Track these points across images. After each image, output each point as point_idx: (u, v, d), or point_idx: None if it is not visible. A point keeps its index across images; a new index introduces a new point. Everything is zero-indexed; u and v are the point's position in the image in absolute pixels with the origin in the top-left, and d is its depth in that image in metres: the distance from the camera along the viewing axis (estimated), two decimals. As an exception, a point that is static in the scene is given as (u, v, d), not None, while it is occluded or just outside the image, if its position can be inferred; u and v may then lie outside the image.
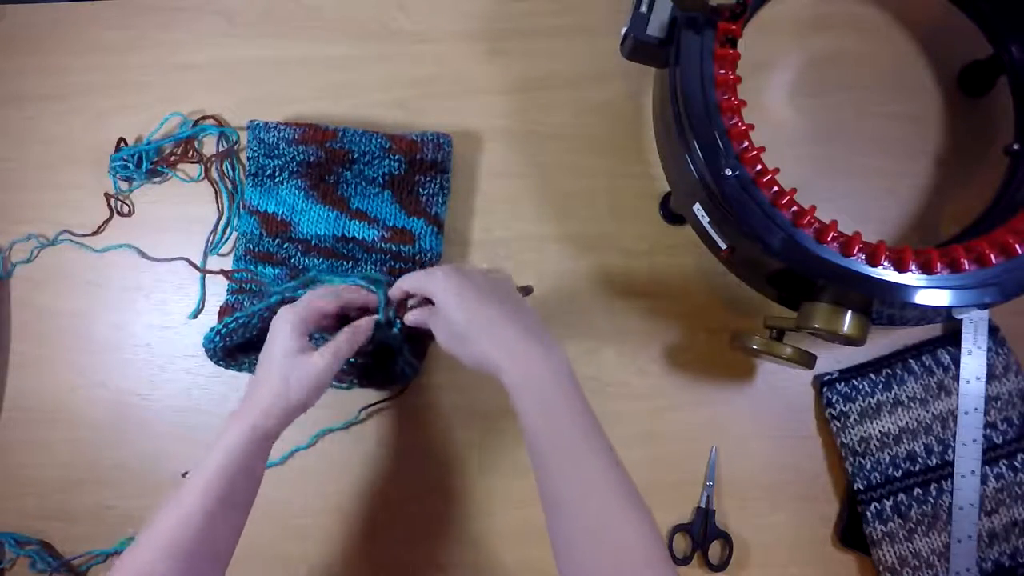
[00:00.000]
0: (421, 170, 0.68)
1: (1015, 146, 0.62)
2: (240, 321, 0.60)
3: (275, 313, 0.61)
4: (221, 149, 0.71)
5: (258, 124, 0.68)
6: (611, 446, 0.48)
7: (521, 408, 0.48)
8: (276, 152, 0.67)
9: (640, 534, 0.44)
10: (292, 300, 0.61)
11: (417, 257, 0.68)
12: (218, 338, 0.61)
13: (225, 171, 0.71)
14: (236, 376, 0.67)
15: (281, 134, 0.67)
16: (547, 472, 0.46)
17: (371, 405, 0.67)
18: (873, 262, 0.50)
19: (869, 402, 0.65)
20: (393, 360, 0.62)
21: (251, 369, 0.65)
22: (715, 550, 0.65)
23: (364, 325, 0.57)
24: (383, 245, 0.68)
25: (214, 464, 0.50)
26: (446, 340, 0.53)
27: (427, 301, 0.56)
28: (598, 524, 0.44)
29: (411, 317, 0.57)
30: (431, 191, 0.68)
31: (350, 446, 0.67)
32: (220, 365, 0.64)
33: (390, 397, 0.67)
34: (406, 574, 0.65)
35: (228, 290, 0.68)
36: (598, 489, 0.45)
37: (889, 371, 0.66)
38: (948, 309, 0.51)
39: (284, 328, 0.54)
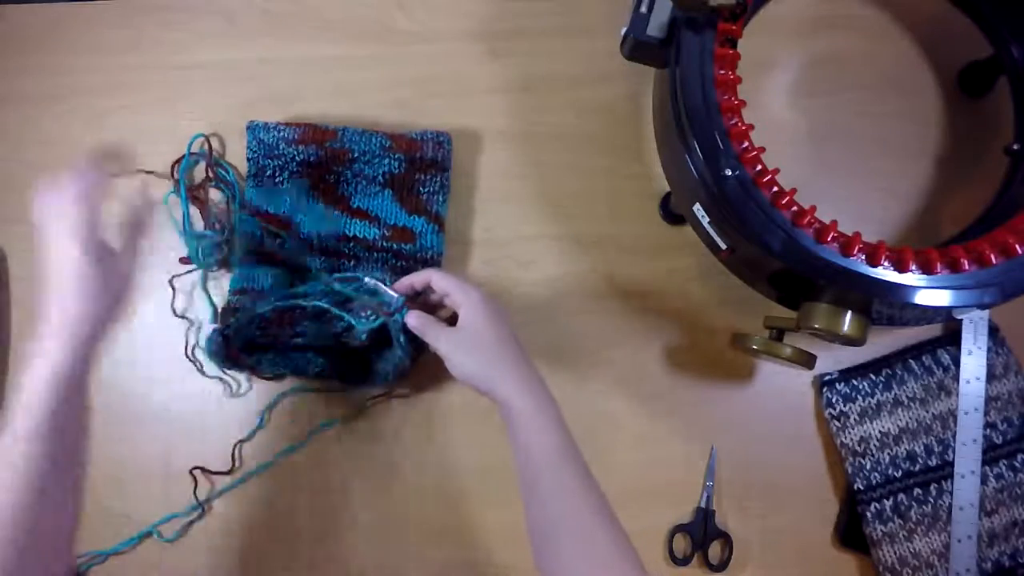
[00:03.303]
0: (421, 168, 0.68)
1: (1015, 146, 0.62)
2: (242, 321, 0.60)
3: (277, 313, 0.61)
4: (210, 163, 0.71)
5: (258, 124, 0.68)
6: (589, 470, 0.52)
7: (523, 443, 0.52)
8: (276, 152, 0.67)
9: (623, 549, 0.49)
10: (290, 299, 0.61)
11: (418, 255, 0.68)
12: (220, 339, 0.61)
13: (220, 176, 0.71)
14: (236, 376, 0.67)
15: (281, 134, 0.67)
16: (541, 497, 0.51)
17: (374, 398, 0.67)
18: (873, 262, 0.50)
19: (869, 402, 0.65)
20: (381, 354, 0.62)
21: (252, 370, 0.65)
22: (715, 550, 0.65)
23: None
24: (384, 244, 0.68)
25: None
26: (451, 353, 0.55)
27: (440, 306, 0.59)
28: (588, 541, 0.48)
29: (413, 320, 0.58)
30: (431, 189, 0.68)
31: (343, 446, 0.67)
32: (222, 366, 0.64)
33: (385, 393, 0.67)
34: (403, 573, 0.65)
35: (229, 291, 0.68)
36: (585, 512, 0.50)
37: (889, 371, 0.66)
38: (948, 309, 0.51)
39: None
